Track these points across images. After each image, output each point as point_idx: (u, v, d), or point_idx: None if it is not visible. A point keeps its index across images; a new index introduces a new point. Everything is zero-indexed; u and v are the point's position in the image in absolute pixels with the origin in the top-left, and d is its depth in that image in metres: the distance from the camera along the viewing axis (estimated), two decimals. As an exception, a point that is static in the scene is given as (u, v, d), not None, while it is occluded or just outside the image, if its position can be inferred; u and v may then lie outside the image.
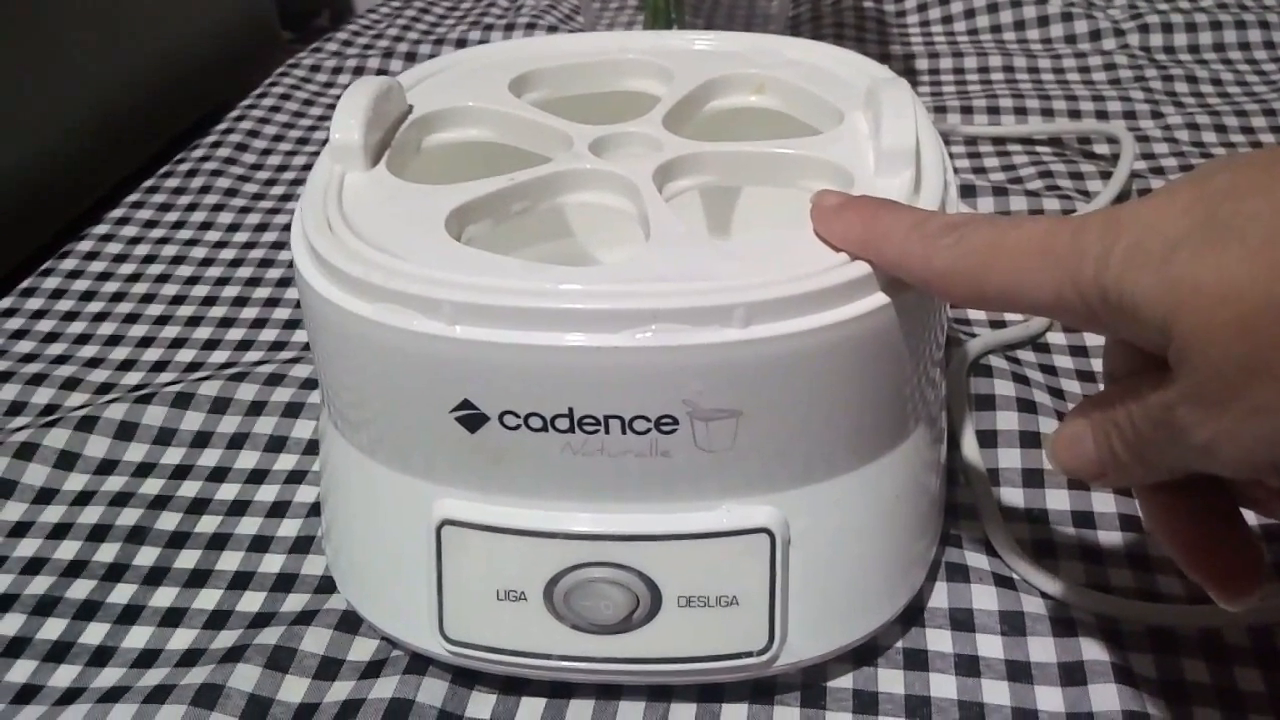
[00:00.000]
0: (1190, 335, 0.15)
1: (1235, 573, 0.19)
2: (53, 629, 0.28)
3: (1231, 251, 0.15)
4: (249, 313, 0.41)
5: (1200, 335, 0.15)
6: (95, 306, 0.41)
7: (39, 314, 0.41)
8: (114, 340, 0.39)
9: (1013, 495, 0.30)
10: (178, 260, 0.44)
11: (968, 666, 0.25)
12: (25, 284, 0.43)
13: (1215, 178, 0.16)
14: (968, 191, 0.44)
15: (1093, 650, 0.25)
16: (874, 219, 0.21)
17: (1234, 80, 0.53)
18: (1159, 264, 0.15)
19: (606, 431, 0.21)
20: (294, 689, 0.26)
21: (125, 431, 0.34)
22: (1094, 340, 0.36)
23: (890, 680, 0.25)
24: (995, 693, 0.25)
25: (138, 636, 0.28)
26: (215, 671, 0.26)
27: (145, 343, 0.39)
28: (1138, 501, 0.23)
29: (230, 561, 0.30)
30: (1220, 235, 0.15)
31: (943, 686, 0.25)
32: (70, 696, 0.26)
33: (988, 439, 0.32)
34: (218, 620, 0.28)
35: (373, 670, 0.26)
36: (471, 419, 0.22)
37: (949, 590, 0.27)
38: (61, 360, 0.38)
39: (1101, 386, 0.34)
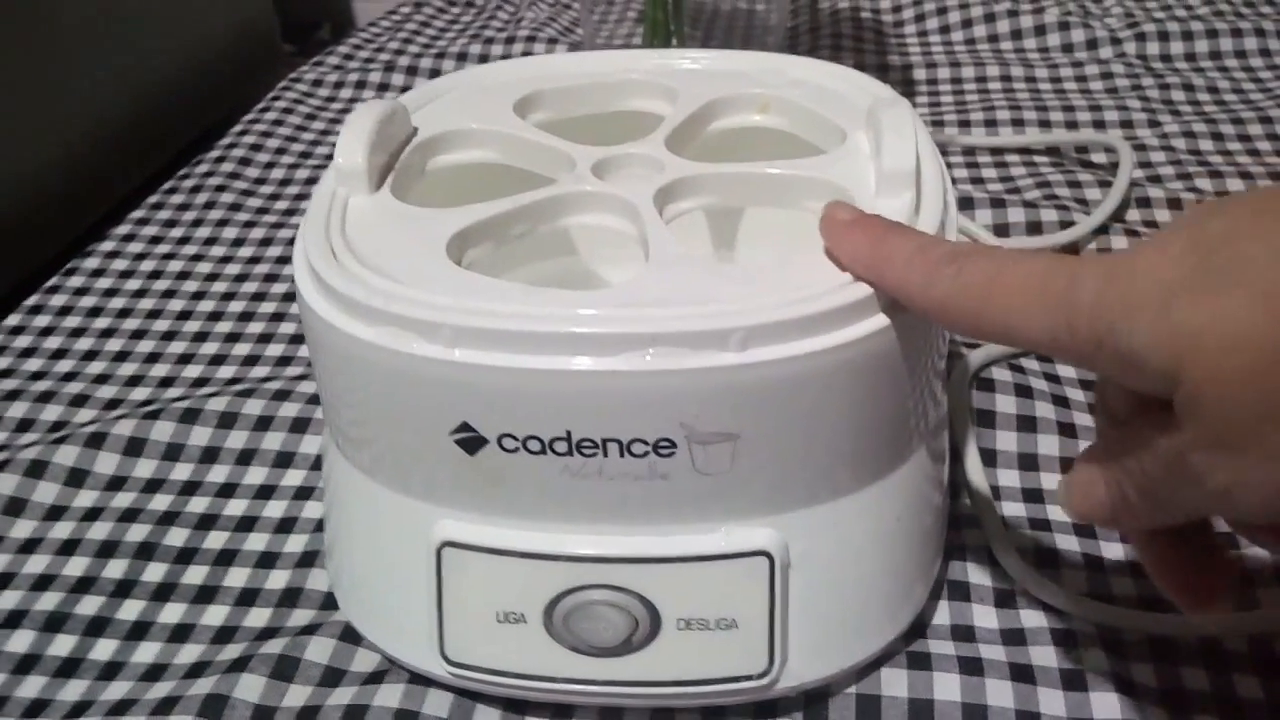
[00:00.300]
0: (1199, 384, 0.15)
1: (1200, 590, 0.20)
2: (62, 645, 0.29)
3: (1233, 298, 0.15)
4: (255, 328, 0.41)
5: (1209, 383, 0.15)
6: (102, 323, 0.42)
7: (46, 331, 0.42)
8: (121, 356, 0.40)
9: (1015, 507, 0.31)
10: (183, 276, 0.44)
11: (971, 673, 0.26)
12: (32, 301, 0.43)
13: (1208, 223, 0.16)
14: (965, 204, 0.44)
15: (1094, 659, 0.26)
16: (880, 241, 0.21)
17: (1230, 88, 0.53)
18: (1157, 312, 0.16)
19: (605, 454, 0.21)
20: (298, 697, 0.26)
21: (134, 448, 0.34)
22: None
23: (893, 686, 0.25)
24: (999, 698, 0.25)
25: (146, 652, 0.28)
26: (220, 682, 0.26)
27: (152, 359, 0.40)
28: None
29: (238, 578, 0.30)
30: (1218, 282, 0.15)
31: (946, 691, 0.25)
32: (79, 710, 0.27)
33: (990, 451, 0.32)
34: (225, 635, 0.29)
35: (376, 679, 0.26)
36: (470, 441, 0.22)
37: (950, 605, 0.28)
38: (70, 377, 0.39)
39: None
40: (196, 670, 0.27)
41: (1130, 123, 0.51)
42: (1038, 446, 0.32)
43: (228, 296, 0.43)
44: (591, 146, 0.27)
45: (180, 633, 0.29)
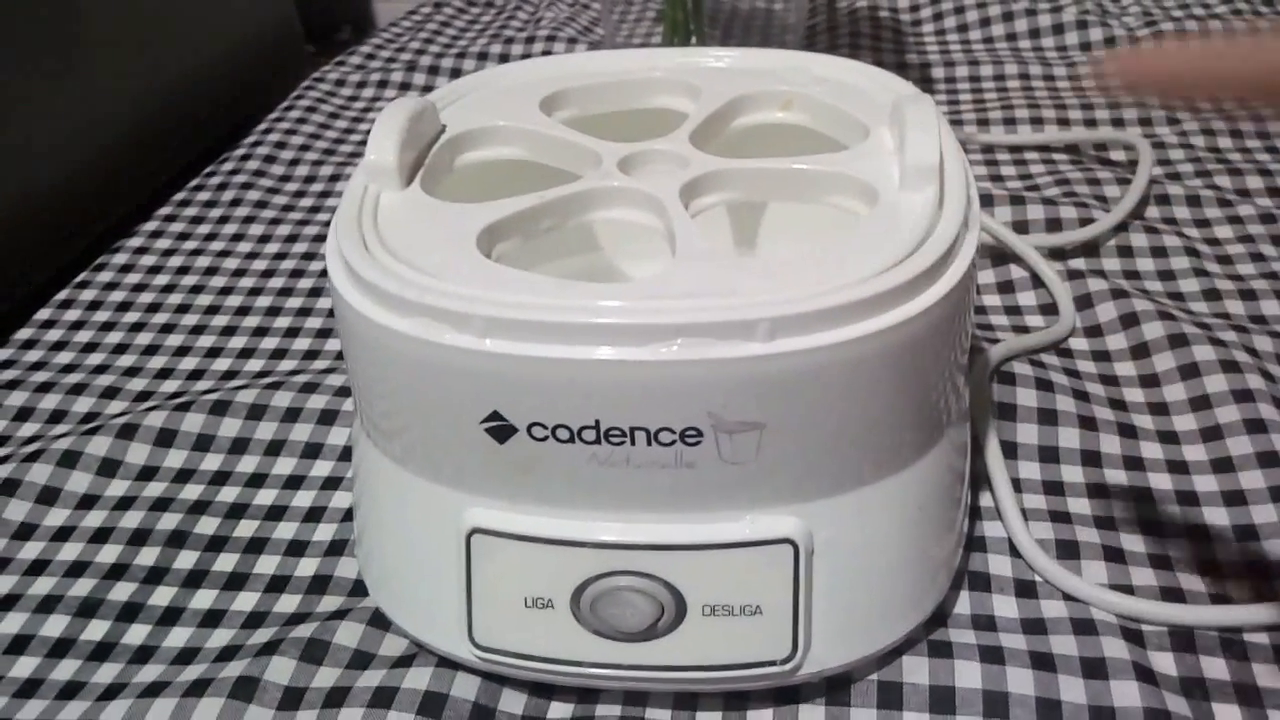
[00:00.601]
0: None
1: None
2: (96, 630, 0.29)
3: None
4: (282, 322, 0.42)
5: None
6: (132, 317, 0.43)
7: (77, 325, 0.42)
8: (151, 350, 0.41)
9: (1035, 499, 0.31)
10: (211, 271, 0.45)
11: (992, 661, 0.26)
12: (62, 295, 0.44)
13: None
14: (985, 201, 0.44)
15: (1114, 648, 0.26)
16: (1195, 44, 0.20)
17: (1252, 87, 0.53)
18: None
19: (632, 443, 0.22)
20: (327, 679, 0.27)
21: (165, 438, 0.35)
22: (1116, 344, 0.37)
23: (915, 673, 0.26)
24: (1019, 686, 0.25)
25: (178, 636, 0.29)
26: (251, 665, 0.27)
27: (182, 352, 0.40)
28: None
29: (267, 565, 0.31)
30: None
31: (967, 679, 0.26)
32: (112, 692, 0.27)
33: (1011, 443, 0.32)
34: (255, 621, 0.29)
35: (405, 662, 0.27)
36: (501, 430, 0.22)
37: (971, 595, 0.28)
38: (101, 370, 0.40)
39: (1124, 391, 0.35)
40: (228, 654, 0.28)
41: (1149, 120, 0.51)
42: (1058, 439, 0.32)
43: (255, 291, 0.44)
44: (617, 143, 0.27)
45: (211, 618, 0.29)
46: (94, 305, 0.43)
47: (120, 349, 0.41)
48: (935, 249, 0.23)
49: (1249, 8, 0.60)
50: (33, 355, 0.41)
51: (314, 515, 0.32)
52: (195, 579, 0.31)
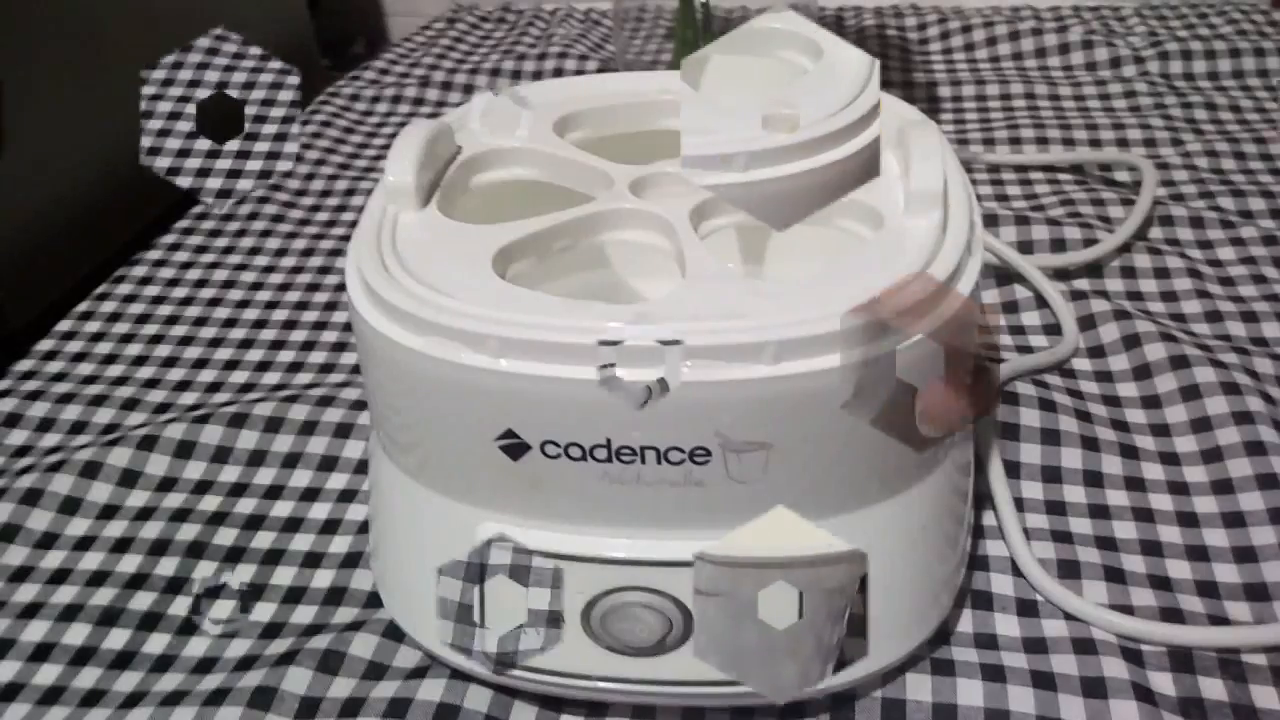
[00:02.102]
0: None
1: None
2: (117, 639, 0.30)
3: None
4: (299, 335, 0.42)
5: None
6: (150, 329, 0.43)
7: (97, 337, 0.43)
8: (170, 362, 0.41)
9: (1037, 519, 0.31)
10: (229, 284, 0.46)
11: (993, 680, 0.26)
12: (82, 308, 0.45)
13: None
14: (990, 220, 0.45)
15: (1114, 668, 0.26)
16: None
17: (1253, 107, 0.53)
18: None
19: (643, 461, 0.22)
20: (343, 690, 0.27)
21: (184, 450, 0.36)
22: (1119, 365, 0.37)
23: (918, 691, 0.26)
24: (1020, 704, 0.26)
25: (197, 646, 0.29)
26: (269, 674, 0.27)
27: (200, 365, 0.41)
28: None
29: (284, 576, 0.31)
30: None
31: (969, 697, 0.26)
32: (134, 701, 0.28)
33: (1014, 463, 0.33)
34: (273, 631, 0.30)
35: (419, 674, 0.27)
36: (514, 448, 0.23)
37: (973, 613, 0.28)
38: (120, 382, 0.40)
39: (1125, 412, 0.35)
40: (245, 664, 0.28)
41: (1153, 141, 0.51)
42: (1060, 459, 0.33)
43: (271, 305, 0.44)
44: (628, 165, 0.28)
45: (230, 628, 0.30)
46: (113, 317, 0.44)
47: (139, 361, 0.42)
48: (938, 274, 0.23)
49: (1254, 28, 0.60)
50: (54, 366, 0.41)
51: (330, 527, 0.33)
52: (214, 589, 0.31)
